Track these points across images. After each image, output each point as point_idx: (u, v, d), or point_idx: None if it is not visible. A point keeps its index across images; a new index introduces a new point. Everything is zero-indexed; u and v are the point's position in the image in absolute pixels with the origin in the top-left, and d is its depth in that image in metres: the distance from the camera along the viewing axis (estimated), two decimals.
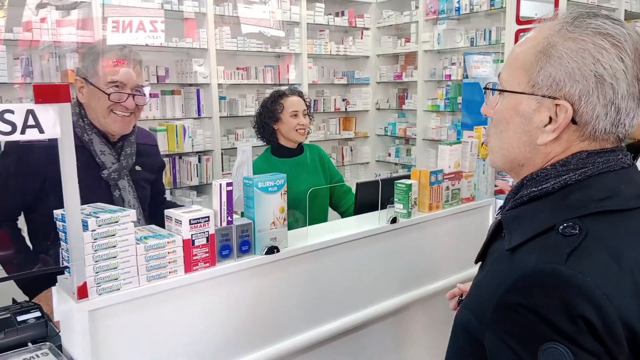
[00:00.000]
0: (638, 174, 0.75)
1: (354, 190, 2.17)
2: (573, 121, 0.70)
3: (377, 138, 5.63)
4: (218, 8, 4.16)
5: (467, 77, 2.24)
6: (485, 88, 0.84)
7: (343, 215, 2.45)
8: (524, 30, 3.89)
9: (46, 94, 0.96)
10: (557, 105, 0.70)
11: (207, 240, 1.26)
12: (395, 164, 5.51)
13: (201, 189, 4.33)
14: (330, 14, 4.98)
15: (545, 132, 0.72)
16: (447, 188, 1.98)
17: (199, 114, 4.23)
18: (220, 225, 1.31)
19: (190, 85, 4.20)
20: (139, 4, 3.68)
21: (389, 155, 5.55)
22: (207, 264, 1.28)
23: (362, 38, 5.29)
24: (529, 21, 3.91)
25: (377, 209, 1.79)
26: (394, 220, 1.78)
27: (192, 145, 4.13)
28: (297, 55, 4.76)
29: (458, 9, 4.50)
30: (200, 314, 1.30)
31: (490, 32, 4.41)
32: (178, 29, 4.05)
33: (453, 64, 4.75)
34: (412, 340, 1.91)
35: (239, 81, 4.48)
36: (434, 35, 4.77)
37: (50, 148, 1.17)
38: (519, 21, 3.88)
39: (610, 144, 0.74)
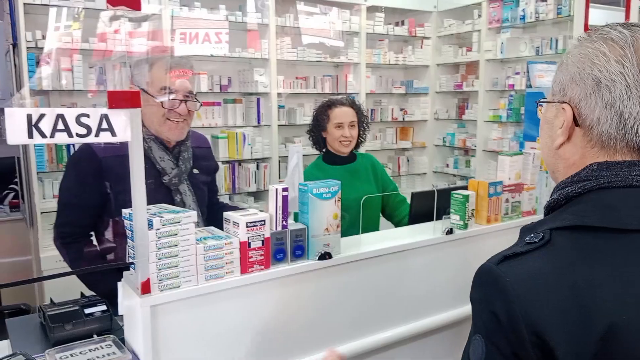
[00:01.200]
0: None
1: (408, 200, 2.15)
2: (576, 123, 0.73)
3: (435, 148, 5.54)
4: (280, 19, 4.26)
5: (530, 86, 2.18)
6: (537, 102, 0.89)
7: (397, 225, 2.43)
8: None
9: (119, 99, 1.02)
10: (563, 108, 0.74)
11: (263, 243, 1.30)
12: (454, 175, 5.40)
13: (259, 195, 4.43)
14: (390, 24, 4.98)
15: (558, 136, 0.76)
16: (507, 200, 1.93)
17: (258, 122, 4.34)
18: (276, 229, 1.34)
19: (251, 94, 4.32)
20: (205, 16, 3.83)
21: (447, 166, 5.44)
22: (262, 267, 1.31)
23: (422, 47, 5.24)
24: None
25: (433, 220, 1.77)
26: (450, 232, 1.75)
27: (251, 152, 4.24)
28: (356, 64, 4.79)
29: (523, 17, 4.37)
30: (254, 314, 1.33)
31: (557, 40, 4.25)
32: (241, 39, 4.19)
33: (517, 73, 4.61)
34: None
35: (298, 90, 4.56)
36: (497, 44, 4.65)
37: (105, 159, 1.24)
38: (587, 29, 3.73)
39: (629, 156, 0.72)
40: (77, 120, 0.99)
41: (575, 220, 0.69)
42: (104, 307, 1.36)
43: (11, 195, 3.82)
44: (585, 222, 0.68)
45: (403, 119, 5.31)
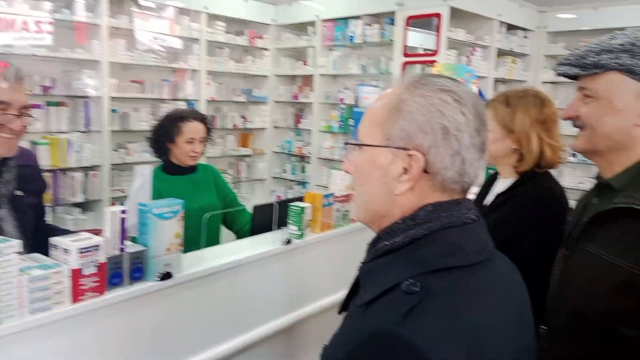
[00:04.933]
0: (482, 229, 0.78)
1: (248, 208, 2.20)
2: (425, 171, 0.74)
3: (274, 155, 5.72)
4: (114, 20, 4.01)
5: (357, 106, 2.41)
6: (346, 143, 0.87)
7: (238, 234, 2.47)
8: (410, 63, 4.24)
9: None
10: (410, 155, 0.74)
11: (97, 269, 1.24)
12: (291, 180, 5.64)
13: (87, 206, 4.10)
14: (230, 33, 5.01)
15: (401, 182, 0.75)
16: (338, 210, 2.11)
17: (87, 127, 4.02)
18: (112, 253, 1.29)
19: (79, 97, 3.98)
20: (26, 12, 3.44)
21: (285, 172, 5.66)
22: (97, 293, 1.25)
23: (261, 58, 5.38)
24: (415, 54, 4.26)
25: (272, 231, 1.86)
26: (288, 242, 1.86)
27: (79, 160, 3.91)
28: (196, 71, 4.72)
29: (352, 38, 4.75)
30: (91, 345, 1.26)
31: (380, 61, 4.71)
32: (68, 39, 3.84)
33: (347, 89, 4.99)
34: (306, 356, 1.99)
35: (133, 95, 4.34)
36: (329, 60, 4.99)
37: None
38: (406, 54, 4.21)
39: (458, 195, 0.77)
40: None
41: (438, 262, 0.71)
42: None
43: None
44: (448, 263, 0.70)
45: (243, 126, 5.38)
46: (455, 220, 0.74)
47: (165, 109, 4.26)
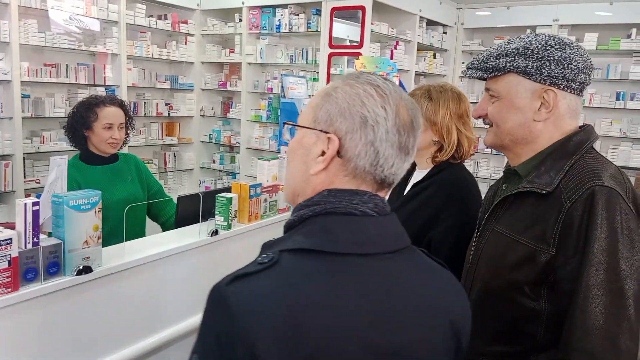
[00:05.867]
0: (378, 224, 0.78)
1: (175, 199, 2.17)
2: (339, 155, 0.78)
3: (202, 145, 5.61)
4: None
5: (284, 97, 2.42)
6: (285, 123, 0.93)
7: (164, 225, 2.42)
8: (336, 54, 4.30)
9: None
10: (328, 138, 0.78)
11: (10, 264, 1.19)
12: (220, 170, 5.56)
13: None
14: (152, 16, 4.83)
15: (317, 163, 0.79)
16: (265, 200, 2.13)
17: None
18: (25, 247, 1.24)
19: None
20: None
21: (214, 162, 5.58)
22: (10, 289, 1.20)
23: (186, 44, 5.23)
24: (341, 46, 4.33)
25: (199, 222, 1.85)
26: (215, 233, 1.86)
27: None
28: (115, 55, 4.52)
29: (279, 27, 4.74)
30: (5, 343, 1.21)
31: (307, 51, 4.74)
32: None
33: (275, 78, 4.98)
34: None
35: (47, 79, 4.08)
36: (257, 48, 4.95)
37: None
38: (331, 45, 4.27)
39: (369, 186, 0.79)
40: None
41: (303, 243, 0.74)
42: None
43: None
44: (309, 246, 0.73)
45: (169, 114, 5.23)
46: (339, 208, 0.76)
47: (82, 95, 4.05)
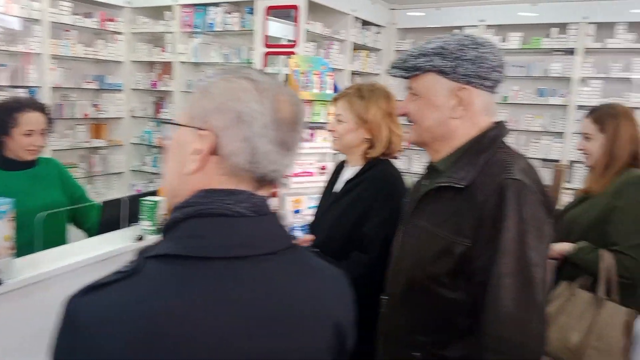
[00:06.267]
0: (254, 225, 0.74)
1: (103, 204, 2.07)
2: (215, 153, 0.73)
3: (133, 147, 5.41)
4: None
5: None
6: (161, 122, 0.86)
7: (89, 232, 2.31)
8: (271, 53, 4.27)
9: None
10: (202, 135, 0.73)
11: None
12: (153, 173, 5.38)
13: None
14: (78, 14, 4.60)
15: (191, 161, 0.74)
16: None
17: None
18: None
19: None
20: None
21: (145, 164, 5.39)
22: None
23: (115, 42, 5.03)
24: (276, 45, 4.30)
25: (122, 228, 1.78)
26: (141, 238, 1.79)
27: None
28: (38, 55, 4.27)
29: (212, 25, 4.65)
30: None
31: (241, 50, 4.69)
32: None
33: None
34: None
35: None
36: (189, 47, 4.83)
37: None
38: (266, 44, 4.24)
39: (248, 185, 0.75)
40: None
41: (169, 248, 0.69)
42: None
43: None
44: (175, 251, 0.68)
45: (96, 115, 5.00)
46: (212, 209, 0.71)
47: (1, 98, 3.80)
